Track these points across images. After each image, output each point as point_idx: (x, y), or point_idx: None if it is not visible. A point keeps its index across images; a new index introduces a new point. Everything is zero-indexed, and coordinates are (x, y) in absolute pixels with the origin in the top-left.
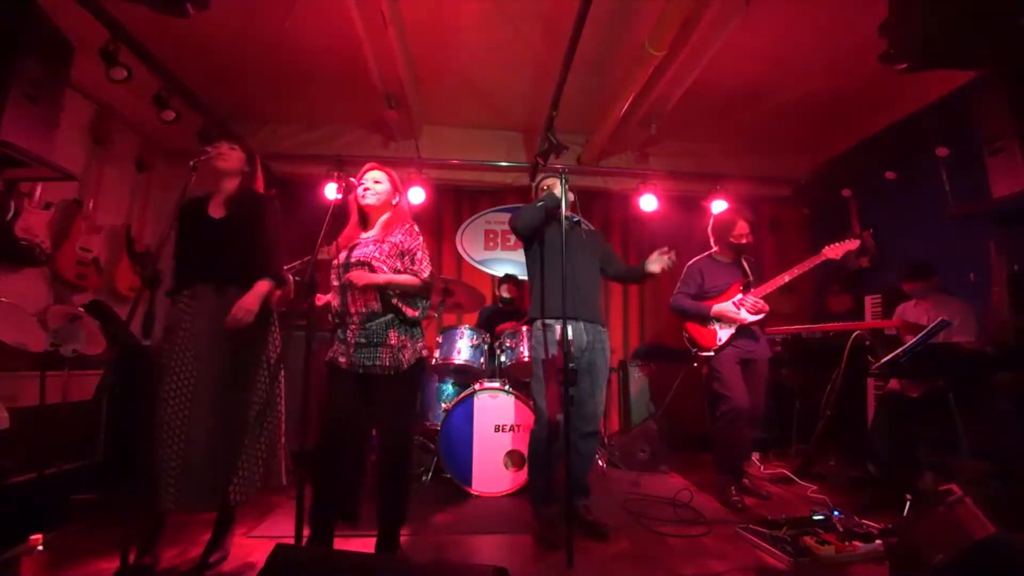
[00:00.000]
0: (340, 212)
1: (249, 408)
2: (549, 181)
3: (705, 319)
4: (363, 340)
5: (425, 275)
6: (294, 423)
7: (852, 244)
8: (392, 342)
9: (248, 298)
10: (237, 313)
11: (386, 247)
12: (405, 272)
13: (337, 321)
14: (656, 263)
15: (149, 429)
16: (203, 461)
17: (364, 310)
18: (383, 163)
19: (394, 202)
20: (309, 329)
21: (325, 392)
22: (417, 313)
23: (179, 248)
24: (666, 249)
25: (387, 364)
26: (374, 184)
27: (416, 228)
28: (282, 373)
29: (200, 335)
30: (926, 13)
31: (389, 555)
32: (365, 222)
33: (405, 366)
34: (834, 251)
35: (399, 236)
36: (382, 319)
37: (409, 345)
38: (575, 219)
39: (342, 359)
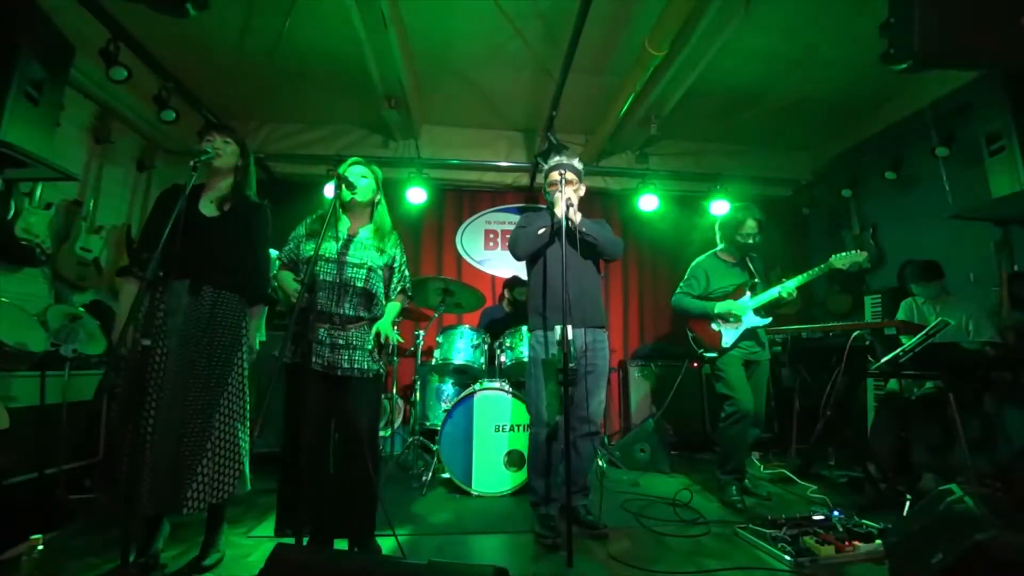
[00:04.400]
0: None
1: (215, 410)
2: (553, 175)
3: (708, 319)
4: (342, 342)
5: (410, 292)
6: (280, 424)
7: (859, 256)
8: (369, 347)
9: (253, 337)
10: (251, 356)
11: (386, 257)
12: (392, 283)
13: (311, 317)
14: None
15: (127, 428)
16: (172, 461)
17: (350, 313)
18: (380, 163)
19: (377, 200)
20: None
21: (293, 394)
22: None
23: (159, 240)
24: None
25: (365, 367)
26: (360, 179)
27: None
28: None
29: (171, 333)
30: (926, 13)
31: (389, 555)
32: (347, 215)
33: (381, 371)
34: (841, 261)
35: (395, 250)
36: (365, 324)
37: (381, 351)
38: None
39: (315, 359)
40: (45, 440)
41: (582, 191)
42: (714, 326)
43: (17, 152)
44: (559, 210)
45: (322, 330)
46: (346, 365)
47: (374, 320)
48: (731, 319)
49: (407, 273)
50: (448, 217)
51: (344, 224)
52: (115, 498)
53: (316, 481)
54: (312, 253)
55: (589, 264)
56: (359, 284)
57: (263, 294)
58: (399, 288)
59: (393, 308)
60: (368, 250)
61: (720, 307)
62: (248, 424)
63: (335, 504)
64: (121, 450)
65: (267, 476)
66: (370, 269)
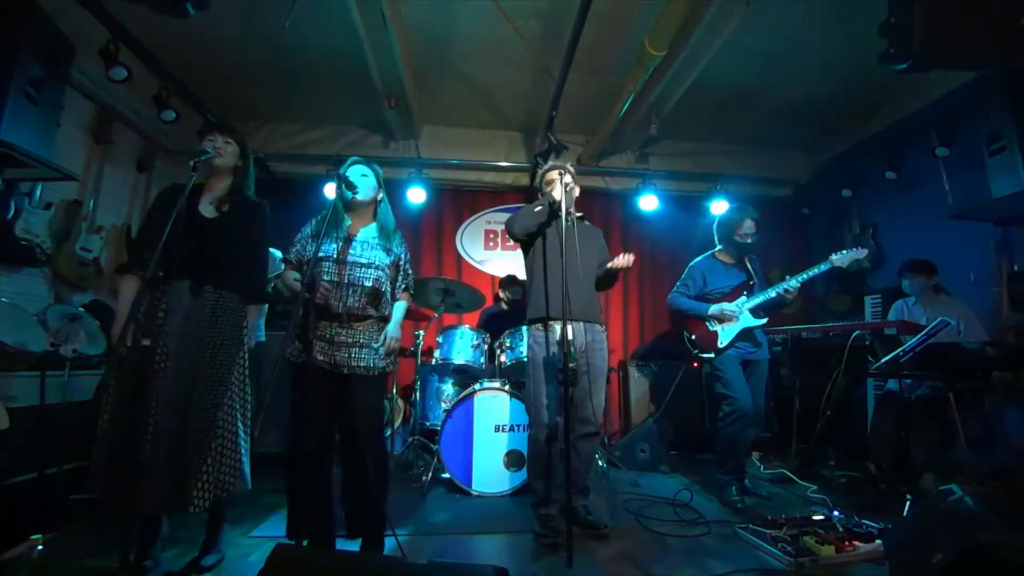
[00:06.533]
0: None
1: (219, 408)
2: (551, 175)
3: (702, 318)
4: (348, 340)
5: (412, 288)
6: (282, 423)
7: (860, 254)
8: (376, 345)
9: (251, 336)
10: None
11: (391, 257)
12: (398, 281)
13: (313, 317)
14: (619, 258)
15: (127, 428)
16: (172, 460)
17: (357, 311)
18: (380, 163)
19: (380, 198)
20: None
21: (298, 392)
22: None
23: (159, 240)
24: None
25: (371, 365)
26: (361, 178)
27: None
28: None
29: (172, 332)
30: (926, 13)
31: (389, 555)
32: (348, 215)
33: (388, 369)
34: (842, 260)
35: (400, 248)
36: (371, 322)
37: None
38: (577, 215)
39: (321, 357)
40: (45, 440)
41: (576, 192)
42: (709, 326)
43: (17, 152)
44: (557, 193)
45: (330, 329)
46: (353, 363)
47: (382, 318)
48: (726, 318)
49: (410, 272)
50: (448, 217)
51: (346, 224)
52: (113, 499)
53: (318, 480)
54: (316, 253)
55: (589, 258)
56: (368, 284)
57: (262, 293)
58: (403, 287)
59: (399, 308)
60: (376, 250)
61: (714, 309)
62: (249, 423)
63: (346, 503)
64: (117, 450)
65: (269, 476)
66: (378, 269)
